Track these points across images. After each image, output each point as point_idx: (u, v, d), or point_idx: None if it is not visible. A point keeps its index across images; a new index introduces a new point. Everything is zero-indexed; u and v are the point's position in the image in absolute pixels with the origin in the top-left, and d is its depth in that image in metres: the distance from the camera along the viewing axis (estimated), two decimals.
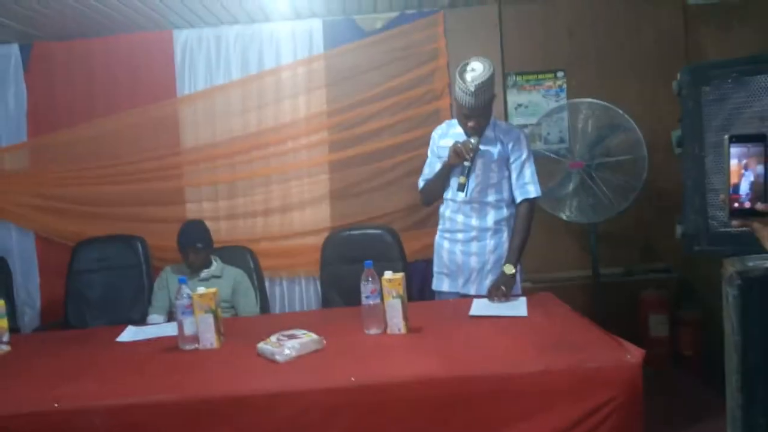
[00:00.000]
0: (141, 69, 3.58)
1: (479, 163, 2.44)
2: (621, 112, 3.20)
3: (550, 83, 3.68)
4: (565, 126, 3.55)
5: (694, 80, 1.58)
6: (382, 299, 2.02)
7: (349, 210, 3.59)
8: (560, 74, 3.67)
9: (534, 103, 3.67)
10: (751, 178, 0.96)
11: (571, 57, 3.66)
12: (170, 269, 2.90)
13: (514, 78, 3.67)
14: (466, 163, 2.36)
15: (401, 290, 2.00)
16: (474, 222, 2.50)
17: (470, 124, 2.37)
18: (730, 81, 1.49)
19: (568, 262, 3.63)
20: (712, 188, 1.53)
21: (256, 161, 3.61)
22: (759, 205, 0.95)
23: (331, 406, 1.57)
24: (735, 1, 3.64)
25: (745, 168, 0.96)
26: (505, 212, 2.49)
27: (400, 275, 2.02)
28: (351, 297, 2.69)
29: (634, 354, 1.59)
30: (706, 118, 1.53)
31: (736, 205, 0.97)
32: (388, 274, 2.02)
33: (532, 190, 2.45)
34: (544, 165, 3.34)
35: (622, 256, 3.62)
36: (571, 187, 3.32)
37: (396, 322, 2.01)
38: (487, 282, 2.43)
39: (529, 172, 2.47)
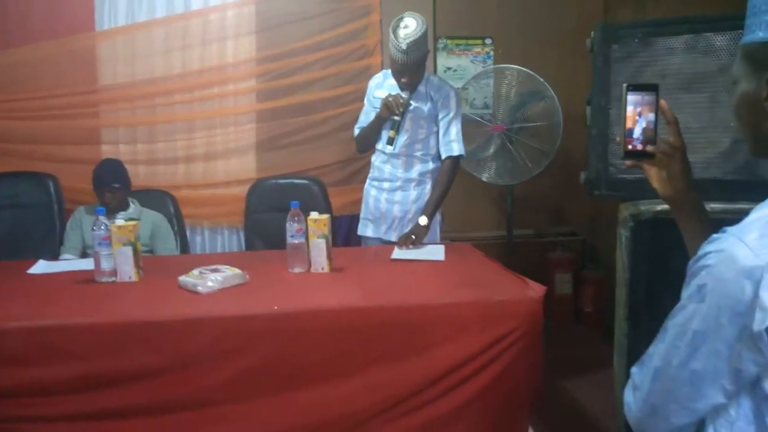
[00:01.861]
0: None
1: (409, 117, 2.50)
2: (542, 80, 3.36)
3: (478, 49, 3.79)
4: (490, 92, 3.68)
5: (604, 38, 1.71)
6: (307, 239, 2.06)
7: (275, 161, 3.55)
8: (488, 41, 3.79)
9: (462, 67, 3.78)
10: (644, 124, 1.05)
11: (498, 26, 3.78)
12: (84, 209, 2.78)
13: (444, 42, 3.76)
14: (396, 118, 2.41)
15: (326, 231, 2.05)
16: (400, 173, 2.58)
17: (403, 79, 2.43)
18: (636, 41, 1.63)
19: (484, 222, 3.82)
20: (614, 138, 1.68)
21: (179, 105, 3.49)
22: (649, 147, 1.05)
23: (252, 332, 1.61)
24: None
25: (639, 115, 1.05)
26: (430, 165, 2.58)
27: (325, 216, 2.06)
28: (275, 245, 2.70)
29: (535, 290, 1.74)
30: (614, 73, 1.67)
31: (630, 147, 1.06)
32: (314, 215, 2.05)
33: (456, 148, 2.53)
34: (468, 127, 3.45)
35: (534, 218, 3.86)
36: (492, 149, 3.47)
37: (320, 262, 2.06)
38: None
39: (455, 130, 2.54)
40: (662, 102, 1.04)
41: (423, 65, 2.46)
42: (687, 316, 0.79)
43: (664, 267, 1.62)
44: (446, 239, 3.33)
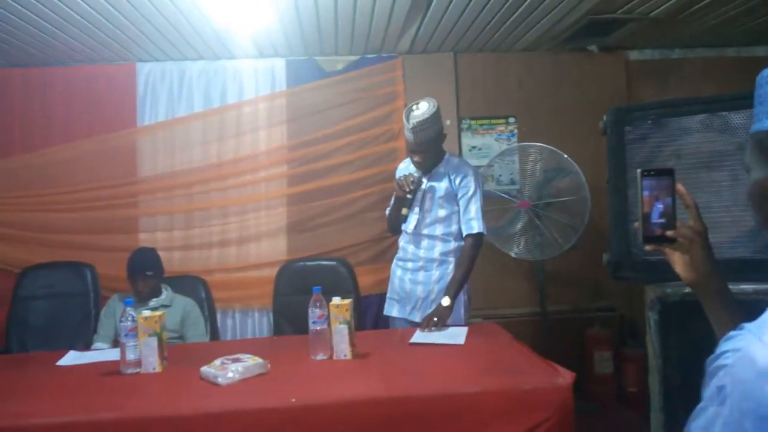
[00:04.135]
0: (101, 99, 3.60)
1: (427, 197, 2.54)
2: (566, 156, 3.38)
3: (502, 128, 3.86)
4: (515, 168, 3.71)
5: (617, 121, 1.72)
6: (329, 325, 2.05)
7: (305, 243, 3.62)
8: (511, 120, 3.86)
9: (487, 145, 3.84)
10: (661, 208, 1.04)
11: (521, 105, 3.86)
12: (118, 297, 2.86)
13: (468, 122, 3.85)
14: (408, 196, 2.48)
15: (348, 316, 2.04)
16: (422, 253, 2.58)
17: (415, 159, 2.51)
18: (649, 122, 1.63)
19: (517, 298, 3.74)
20: (634, 219, 1.65)
21: (214, 192, 3.64)
22: (668, 232, 1.03)
23: (272, 427, 1.58)
24: (672, 57, 3.95)
25: (656, 199, 1.04)
26: (452, 245, 2.57)
27: (347, 301, 2.06)
28: (303, 327, 2.69)
29: (565, 377, 1.66)
30: (629, 155, 1.66)
31: (648, 232, 1.04)
32: (335, 300, 2.05)
33: (476, 226, 2.52)
34: (495, 204, 3.49)
35: (569, 293, 3.75)
36: (519, 225, 3.45)
37: (342, 348, 2.03)
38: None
39: (474, 208, 2.54)
40: (679, 186, 1.02)
41: (435, 145, 2.50)
42: (709, 418, 0.74)
43: (696, 351, 1.53)
44: (478, 317, 3.28)
